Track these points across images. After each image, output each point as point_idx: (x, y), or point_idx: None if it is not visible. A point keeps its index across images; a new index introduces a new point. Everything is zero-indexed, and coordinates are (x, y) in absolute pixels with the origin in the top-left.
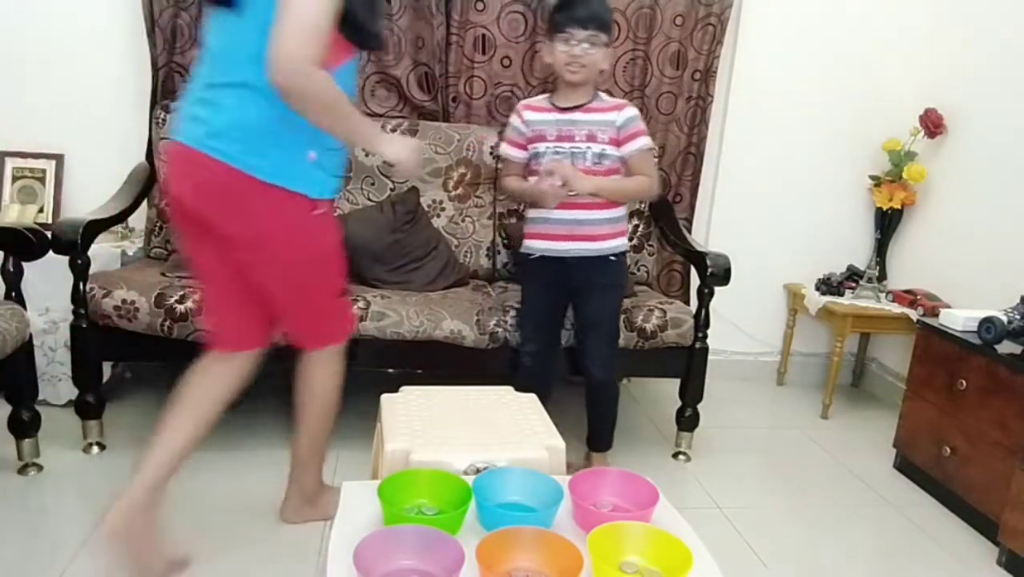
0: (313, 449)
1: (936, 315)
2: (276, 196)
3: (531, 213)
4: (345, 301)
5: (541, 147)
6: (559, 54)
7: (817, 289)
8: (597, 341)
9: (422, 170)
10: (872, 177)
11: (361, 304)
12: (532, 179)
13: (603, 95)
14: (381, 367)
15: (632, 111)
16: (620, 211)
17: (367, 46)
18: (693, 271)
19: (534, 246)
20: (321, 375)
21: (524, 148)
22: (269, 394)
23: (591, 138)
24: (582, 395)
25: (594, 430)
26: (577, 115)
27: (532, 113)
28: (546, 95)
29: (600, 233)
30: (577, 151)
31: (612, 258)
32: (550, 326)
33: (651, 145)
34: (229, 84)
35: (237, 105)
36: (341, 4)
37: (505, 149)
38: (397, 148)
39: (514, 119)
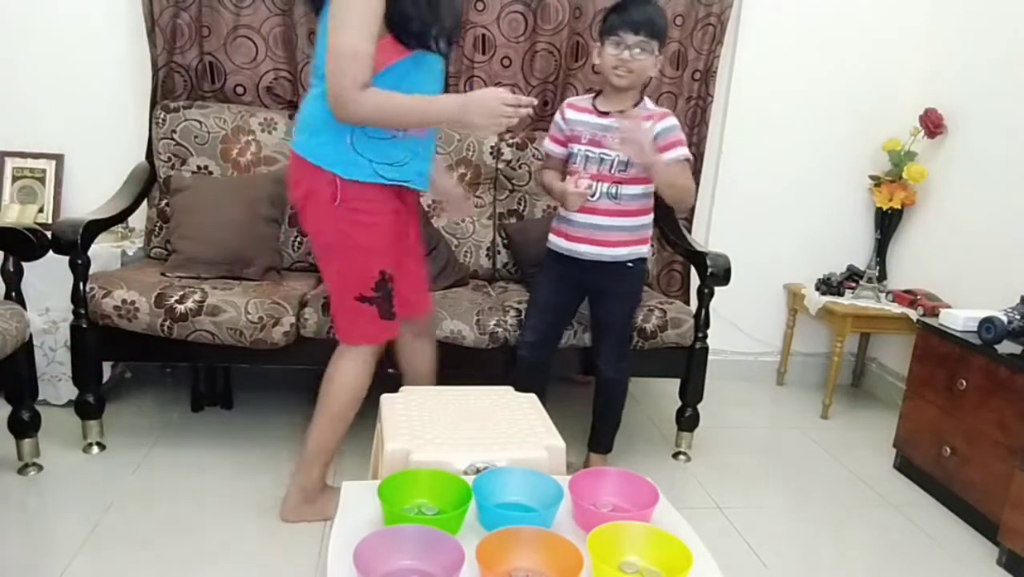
0: (320, 446)
1: (936, 315)
2: (310, 170)
3: (560, 211)
4: (370, 309)
5: (575, 148)
6: (608, 57)
7: (817, 289)
8: (609, 343)
9: (508, 122)
10: (872, 177)
11: None
12: (570, 179)
13: (648, 102)
14: (381, 367)
15: (670, 121)
16: (642, 219)
17: (419, 46)
18: (693, 271)
19: (555, 241)
20: (340, 368)
21: (563, 144)
22: (270, 395)
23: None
24: (582, 395)
25: (596, 430)
26: (614, 121)
27: (573, 112)
28: (591, 95)
29: (617, 240)
30: (605, 157)
31: (629, 265)
32: (553, 321)
33: (688, 156)
34: (308, 87)
35: (304, 104)
36: (385, 6)
37: (546, 143)
38: (473, 121)
39: (557, 115)
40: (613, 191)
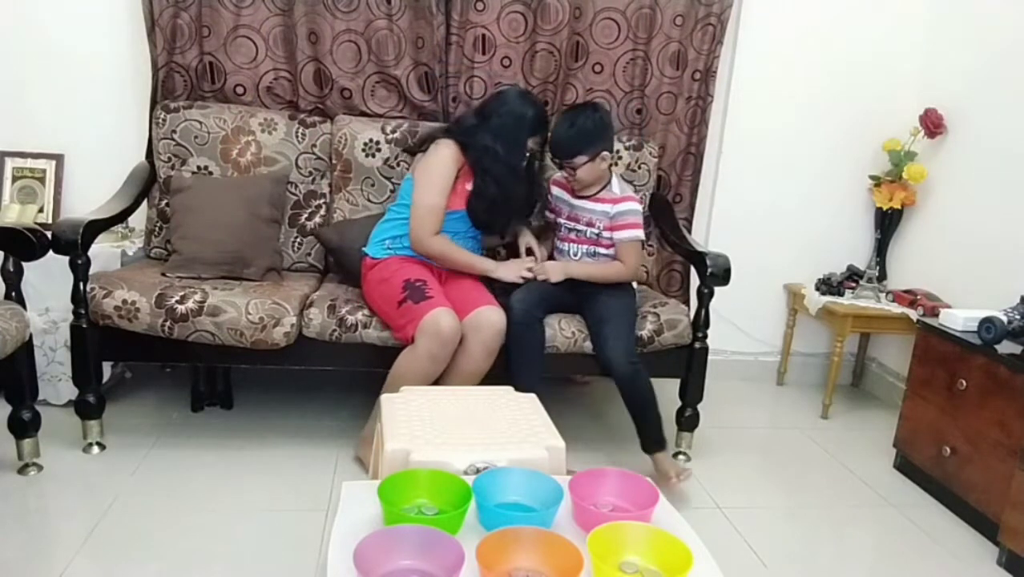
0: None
1: (936, 315)
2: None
3: (555, 252)
4: (407, 303)
5: (559, 219)
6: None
7: (817, 289)
8: (615, 333)
9: (517, 277)
10: (872, 177)
11: (366, 311)
12: (556, 242)
13: (615, 184)
14: (381, 367)
15: (626, 206)
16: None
17: (476, 225)
18: (693, 271)
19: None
20: (400, 358)
21: (551, 212)
22: (270, 395)
23: (590, 224)
24: (582, 395)
25: (641, 431)
26: (584, 203)
27: (557, 189)
28: None
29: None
30: (580, 230)
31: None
32: (543, 293)
33: (638, 237)
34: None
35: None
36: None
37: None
38: (502, 272)
39: (549, 187)
40: (592, 251)
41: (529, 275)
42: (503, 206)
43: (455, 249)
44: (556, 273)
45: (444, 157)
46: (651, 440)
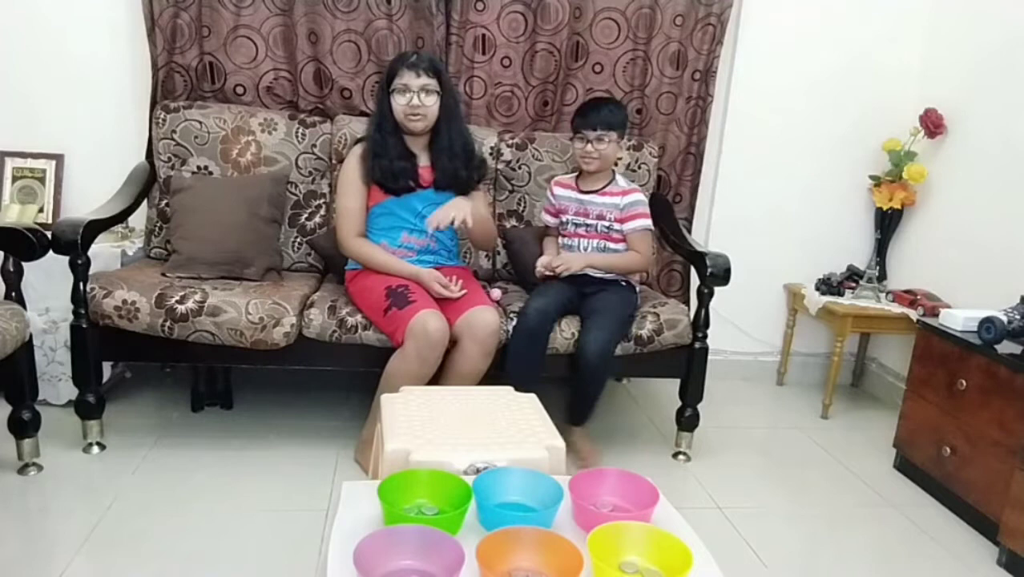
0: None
1: (936, 315)
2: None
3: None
4: (393, 310)
5: (565, 217)
6: (576, 149)
7: (817, 289)
8: (599, 324)
9: (433, 282)
10: (872, 177)
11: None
12: (561, 240)
13: (620, 179)
14: (380, 368)
15: (634, 197)
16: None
17: (392, 193)
18: (693, 271)
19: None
20: (391, 361)
21: (555, 215)
22: (270, 395)
23: (600, 217)
24: None
25: (572, 402)
26: (592, 197)
27: (560, 189)
28: (575, 174)
29: (612, 278)
30: (590, 224)
31: (623, 283)
32: (555, 299)
33: (648, 226)
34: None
35: None
36: (366, 175)
37: (542, 215)
38: (425, 278)
39: (548, 191)
40: (602, 245)
41: (446, 293)
42: (395, 165)
43: (374, 251)
44: (577, 261)
45: (349, 161)
46: (578, 413)
